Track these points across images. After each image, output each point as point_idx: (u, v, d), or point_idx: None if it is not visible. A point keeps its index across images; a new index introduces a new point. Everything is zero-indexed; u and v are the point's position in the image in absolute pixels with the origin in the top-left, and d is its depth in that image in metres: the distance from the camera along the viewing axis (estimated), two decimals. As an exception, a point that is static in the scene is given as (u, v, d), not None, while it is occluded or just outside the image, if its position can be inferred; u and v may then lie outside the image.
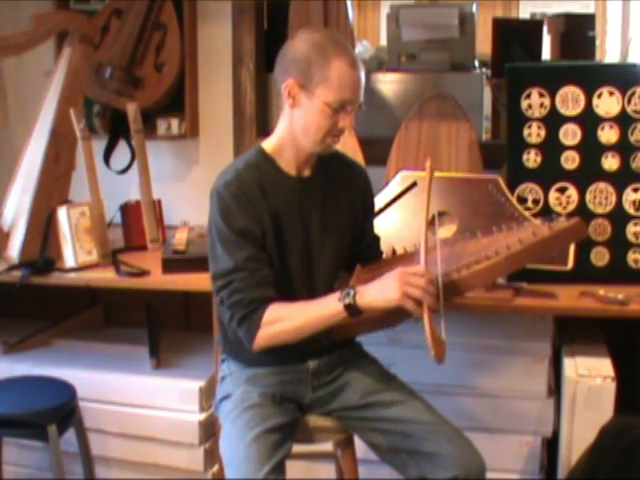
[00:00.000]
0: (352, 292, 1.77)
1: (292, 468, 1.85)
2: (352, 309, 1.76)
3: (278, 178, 1.90)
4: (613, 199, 2.42)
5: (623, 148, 2.41)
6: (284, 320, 1.81)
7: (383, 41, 3.65)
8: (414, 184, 2.45)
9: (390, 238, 2.24)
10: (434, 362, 1.66)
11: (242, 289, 1.81)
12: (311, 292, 1.90)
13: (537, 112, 2.45)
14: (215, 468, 2.52)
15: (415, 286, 1.70)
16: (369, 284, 1.79)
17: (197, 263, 2.41)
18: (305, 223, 1.92)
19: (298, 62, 1.81)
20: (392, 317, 1.84)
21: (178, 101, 3.02)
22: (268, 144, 1.93)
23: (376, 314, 1.82)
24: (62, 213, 2.54)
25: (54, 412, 2.30)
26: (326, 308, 1.80)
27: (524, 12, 4.99)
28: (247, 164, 1.89)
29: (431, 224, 1.95)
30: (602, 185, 2.42)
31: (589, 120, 2.43)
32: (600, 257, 2.41)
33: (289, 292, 1.88)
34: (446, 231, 2.34)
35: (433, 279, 1.72)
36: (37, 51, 2.71)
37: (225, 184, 1.85)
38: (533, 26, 3.35)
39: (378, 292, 1.75)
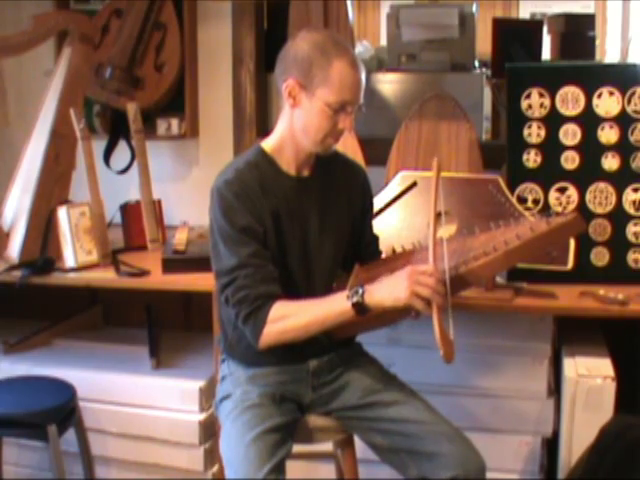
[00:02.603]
0: (361, 290, 1.75)
1: (292, 468, 1.84)
2: (360, 307, 1.75)
3: (277, 178, 1.90)
4: (613, 199, 2.42)
5: (623, 148, 2.41)
6: (291, 317, 1.80)
7: (383, 41, 3.65)
8: (414, 184, 2.45)
9: (390, 238, 2.24)
10: (442, 361, 1.65)
11: (247, 286, 1.80)
12: (310, 291, 1.90)
13: (537, 112, 2.45)
14: (215, 468, 2.52)
15: (424, 285, 1.69)
16: (378, 283, 1.78)
17: (197, 263, 2.41)
18: (304, 223, 1.91)
19: (299, 62, 1.81)
20: (395, 315, 1.83)
21: (178, 101, 3.02)
22: (268, 144, 1.93)
23: (381, 312, 1.81)
24: (62, 213, 2.54)
25: (54, 412, 2.30)
26: (334, 306, 1.79)
27: (524, 12, 4.99)
28: (247, 163, 1.89)
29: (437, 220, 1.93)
30: (602, 185, 2.42)
31: (589, 120, 2.42)
32: (600, 257, 2.41)
33: (288, 291, 1.88)
34: (446, 231, 2.33)
35: (442, 278, 1.71)
36: (37, 51, 2.71)
37: (226, 182, 1.84)
38: (533, 26, 3.34)
39: (387, 291, 1.74)
